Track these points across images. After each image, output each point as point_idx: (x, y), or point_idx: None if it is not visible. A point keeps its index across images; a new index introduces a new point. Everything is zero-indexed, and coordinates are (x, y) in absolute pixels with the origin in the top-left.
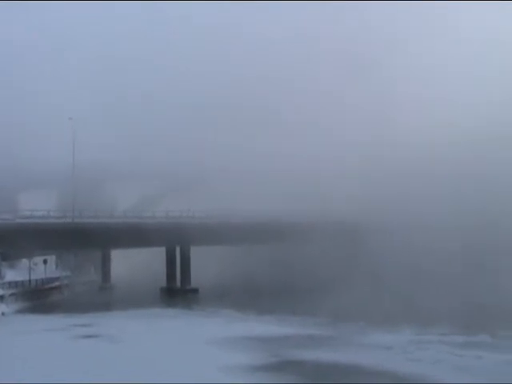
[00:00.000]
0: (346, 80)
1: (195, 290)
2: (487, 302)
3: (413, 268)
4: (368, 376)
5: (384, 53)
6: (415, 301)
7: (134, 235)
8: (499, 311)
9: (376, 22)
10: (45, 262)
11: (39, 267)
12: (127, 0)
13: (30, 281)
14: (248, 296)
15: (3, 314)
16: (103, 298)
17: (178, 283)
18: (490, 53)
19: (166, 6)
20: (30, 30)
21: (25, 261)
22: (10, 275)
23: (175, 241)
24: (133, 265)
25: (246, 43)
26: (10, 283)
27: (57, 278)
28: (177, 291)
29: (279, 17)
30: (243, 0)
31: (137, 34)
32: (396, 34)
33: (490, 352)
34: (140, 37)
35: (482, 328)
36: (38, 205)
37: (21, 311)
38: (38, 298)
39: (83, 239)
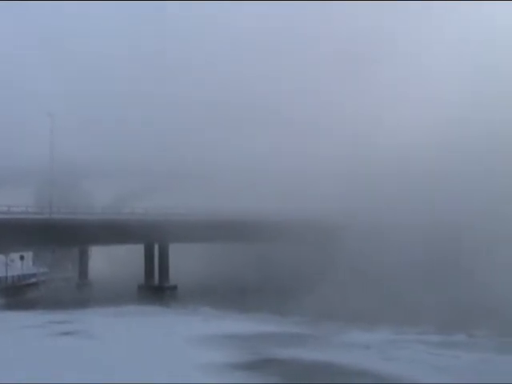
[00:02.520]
0: (335, 78)
1: (173, 288)
2: (463, 301)
3: (392, 267)
4: (346, 375)
5: (374, 52)
6: (393, 300)
7: (112, 232)
8: (475, 310)
9: (368, 21)
10: (21, 258)
11: (16, 263)
12: None
13: (6, 277)
14: (228, 294)
15: None
16: (81, 295)
17: (157, 280)
18: (480, 53)
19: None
20: (9, 24)
21: (1, 257)
22: None
23: (154, 238)
24: (111, 262)
25: (239, 40)
26: None
27: (34, 275)
28: (155, 288)
29: (278, 16)
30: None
31: (119, 29)
32: (387, 33)
33: (466, 351)
34: (123, 32)
35: (459, 327)
36: (15, 201)
37: None
38: (15, 295)
39: (61, 236)
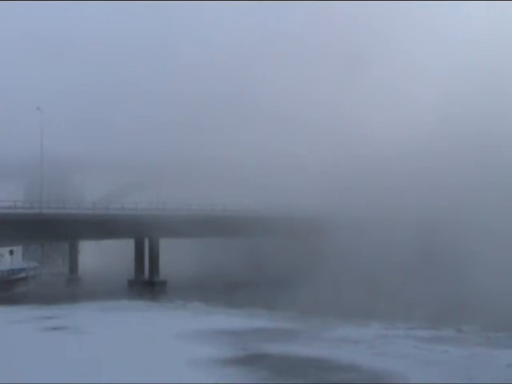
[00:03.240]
0: (326, 76)
1: (163, 283)
2: (451, 296)
3: (380, 262)
4: (335, 370)
5: (366, 50)
6: (383, 295)
7: (103, 227)
8: (463, 305)
9: (359, 20)
10: (11, 252)
11: (5, 258)
12: None
13: None
14: (218, 289)
15: None
16: (70, 290)
17: (147, 275)
18: (471, 51)
19: None
20: None
21: None
22: None
23: (144, 233)
24: (101, 256)
25: (232, 37)
26: None
27: (23, 269)
28: (145, 283)
29: (270, 15)
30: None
31: (110, 23)
32: (378, 32)
33: (455, 346)
34: (114, 26)
35: (448, 322)
36: (4, 195)
37: None
38: (4, 290)
39: (50, 230)
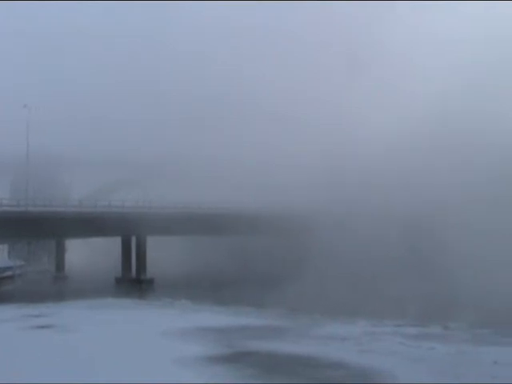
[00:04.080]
0: (320, 75)
1: (150, 281)
2: (438, 293)
3: (367, 260)
4: (322, 367)
5: (361, 50)
6: (369, 292)
7: (89, 225)
8: (449, 302)
9: (355, 19)
10: None
11: None
12: None
13: None
14: (205, 287)
15: None
16: (57, 288)
17: (134, 273)
18: (466, 51)
19: None
20: None
21: None
22: None
23: (131, 230)
24: (88, 254)
25: (227, 36)
26: None
27: (9, 268)
28: (132, 281)
29: (266, 16)
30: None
31: (98, 19)
32: (373, 31)
33: (441, 343)
34: (102, 22)
35: (434, 320)
36: None
37: None
38: None
39: (37, 228)
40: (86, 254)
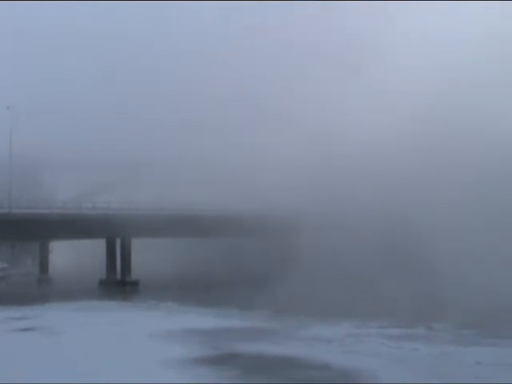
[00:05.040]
0: (305, 76)
1: (135, 283)
2: (422, 294)
3: (352, 261)
4: (306, 368)
5: (346, 52)
6: (354, 294)
7: (74, 227)
8: (433, 303)
9: (340, 20)
10: None
11: None
12: None
13: None
14: (191, 289)
15: None
16: (41, 291)
17: (118, 275)
18: (449, 52)
19: None
20: None
21: None
22: None
23: (116, 232)
24: (73, 256)
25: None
26: None
27: None
28: (116, 283)
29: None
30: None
31: (77, 18)
32: (358, 32)
33: (425, 344)
34: (81, 20)
35: (418, 321)
36: None
37: None
38: None
39: (21, 230)
40: (70, 256)
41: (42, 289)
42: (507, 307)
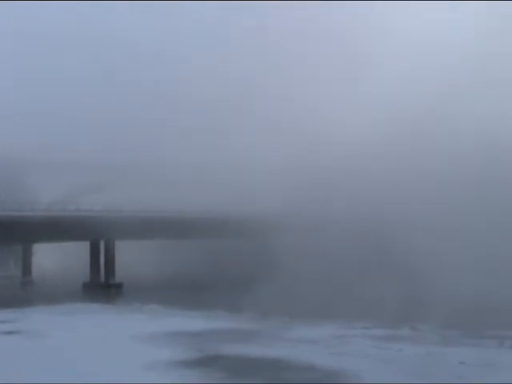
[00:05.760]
0: (290, 76)
1: (119, 285)
2: (406, 295)
3: (336, 262)
4: (292, 370)
5: (328, 50)
6: (339, 295)
7: (57, 229)
8: (417, 304)
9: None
10: None
11: None
12: None
13: None
14: (176, 291)
15: None
16: (24, 293)
17: (102, 278)
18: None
19: None
20: None
21: None
22: None
23: (99, 235)
24: (56, 259)
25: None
26: None
27: None
28: (100, 286)
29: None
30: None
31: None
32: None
33: (410, 344)
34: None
35: (402, 322)
36: None
37: None
38: None
39: (3, 233)
40: (54, 259)
41: (25, 291)
42: (491, 307)
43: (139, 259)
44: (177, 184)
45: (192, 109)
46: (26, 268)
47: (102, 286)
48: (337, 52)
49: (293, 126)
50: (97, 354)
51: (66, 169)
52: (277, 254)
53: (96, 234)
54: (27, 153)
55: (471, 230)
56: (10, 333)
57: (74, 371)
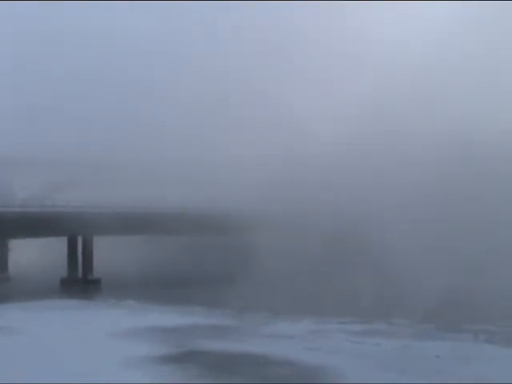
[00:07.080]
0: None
1: (97, 281)
2: (382, 290)
3: (311, 258)
4: (267, 365)
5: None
6: (317, 290)
7: (33, 225)
8: (392, 299)
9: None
10: None
11: None
12: None
13: None
14: (154, 287)
15: None
16: (0, 290)
17: (80, 274)
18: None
19: None
20: None
21: None
22: None
23: (77, 230)
24: (34, 255)
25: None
26: None
27: None
28: (78, 282)
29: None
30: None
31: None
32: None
33: (386, 339)
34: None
35: (378, 316)
36: None
37: None
38: None
39: None
40: (31, 255)
41: (1, 288)
42: (465, 301)
43: (118, 255)
44: (155, 181)
45: (167, 105)
46: (2, 264)
47: (80, 281)
48: (317, 51)
49: (270, 125)
50: (74, 350)
51: (43, 166)
52: (256, 251)
53: (74, 229)
54: (3, 149)
55: (447, 225)
56: None
57: (50, 368)
